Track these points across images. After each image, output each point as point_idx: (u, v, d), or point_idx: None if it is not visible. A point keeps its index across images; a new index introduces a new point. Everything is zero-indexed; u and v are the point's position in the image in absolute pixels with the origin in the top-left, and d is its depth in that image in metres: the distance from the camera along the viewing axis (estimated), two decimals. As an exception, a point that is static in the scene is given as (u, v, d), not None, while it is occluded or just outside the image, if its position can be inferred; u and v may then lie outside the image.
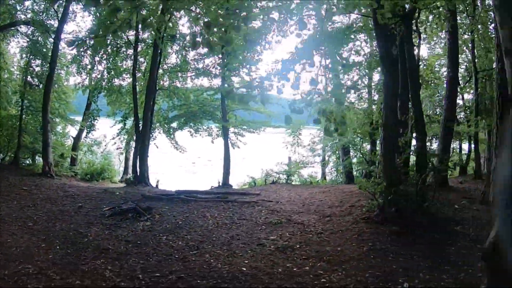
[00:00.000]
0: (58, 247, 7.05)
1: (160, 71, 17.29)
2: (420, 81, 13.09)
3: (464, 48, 19.09)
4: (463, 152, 21.29)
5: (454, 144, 21.62)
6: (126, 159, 19.89)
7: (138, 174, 15.04)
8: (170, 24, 15.30)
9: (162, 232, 8.17)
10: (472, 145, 18.59)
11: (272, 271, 5.75)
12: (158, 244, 7.46)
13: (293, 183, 17.83)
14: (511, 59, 2.73)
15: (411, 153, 9.64)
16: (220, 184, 16.29)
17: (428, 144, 18.07)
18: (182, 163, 25.32)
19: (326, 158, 20.53)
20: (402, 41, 9.66)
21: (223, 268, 5.94)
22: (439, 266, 6.08)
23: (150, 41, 17.30)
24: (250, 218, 9.06)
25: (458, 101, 22.01)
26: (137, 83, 16.88)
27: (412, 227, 7.96)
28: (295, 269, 5.89)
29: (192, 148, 22.17)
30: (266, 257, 6.40)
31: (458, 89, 21.01)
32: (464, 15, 17.48)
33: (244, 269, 5.84)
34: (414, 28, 15.46)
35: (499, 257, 3.38)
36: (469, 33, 18.04)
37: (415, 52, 16.61)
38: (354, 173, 18.49)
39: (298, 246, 7.16)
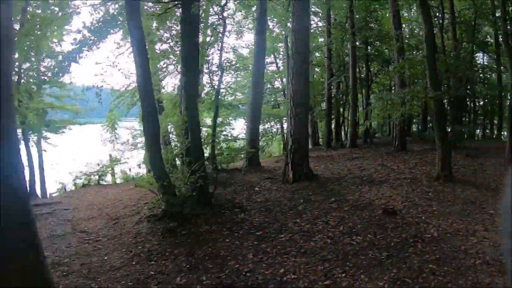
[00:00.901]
0: None
1: None
2: (222, 69, 13.15)
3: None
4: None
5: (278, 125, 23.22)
6: None
7: None
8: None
9: None
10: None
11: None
12: None
13: (117, 181, 16.73)
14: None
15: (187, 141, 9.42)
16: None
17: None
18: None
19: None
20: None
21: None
22: (203, 265, 5.80)
23: None
24: (35, 233, 7.90)
25: (278, 85, 23.71)
26: None
27: (195, 220, 7.71)
28: (46, 289, 5.11)
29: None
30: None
31: (276, 75, 22.57)
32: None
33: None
34: (221, 16, 15.61)
35: None
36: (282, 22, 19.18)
37: (225, 39, 16.94)
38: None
39: (66, 260, 6.35)
